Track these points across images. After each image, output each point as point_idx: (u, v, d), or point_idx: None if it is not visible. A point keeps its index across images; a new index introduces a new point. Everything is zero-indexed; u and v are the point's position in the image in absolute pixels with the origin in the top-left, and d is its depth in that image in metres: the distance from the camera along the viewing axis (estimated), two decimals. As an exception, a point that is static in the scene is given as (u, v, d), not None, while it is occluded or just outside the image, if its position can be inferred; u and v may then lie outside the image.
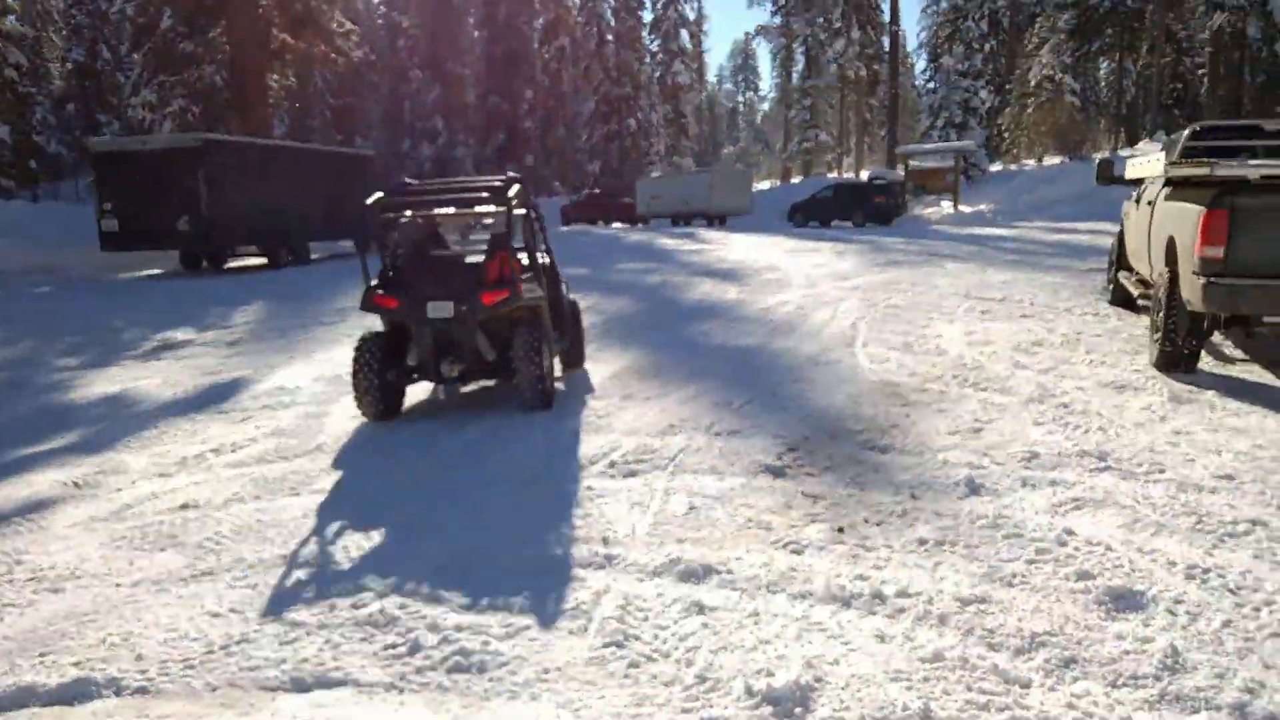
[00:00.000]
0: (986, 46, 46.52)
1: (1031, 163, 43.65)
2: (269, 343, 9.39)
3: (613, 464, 4.70)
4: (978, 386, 6.18)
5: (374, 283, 6.08)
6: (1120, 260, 9.50)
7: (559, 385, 6.66)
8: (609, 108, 51.49)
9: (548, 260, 7.21)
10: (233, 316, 11.35)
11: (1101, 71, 54.25)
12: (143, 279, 18.12)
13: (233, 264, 20.45)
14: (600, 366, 7.42)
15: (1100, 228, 22.54)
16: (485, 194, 6.22)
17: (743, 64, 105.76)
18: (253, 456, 5.24)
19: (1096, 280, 11.91)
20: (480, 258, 6.04)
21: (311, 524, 4.11)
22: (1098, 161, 9.44)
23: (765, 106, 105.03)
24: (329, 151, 24.83)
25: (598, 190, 42.85)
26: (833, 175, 51.31)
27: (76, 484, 4.84)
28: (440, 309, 5.70)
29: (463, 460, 5.01)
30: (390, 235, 6.52)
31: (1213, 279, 5.63)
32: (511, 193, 6.04)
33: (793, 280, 12.92)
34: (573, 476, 4.58)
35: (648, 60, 53.99)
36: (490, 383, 6.60)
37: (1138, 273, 8.56)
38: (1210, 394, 5.74)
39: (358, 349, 5.83)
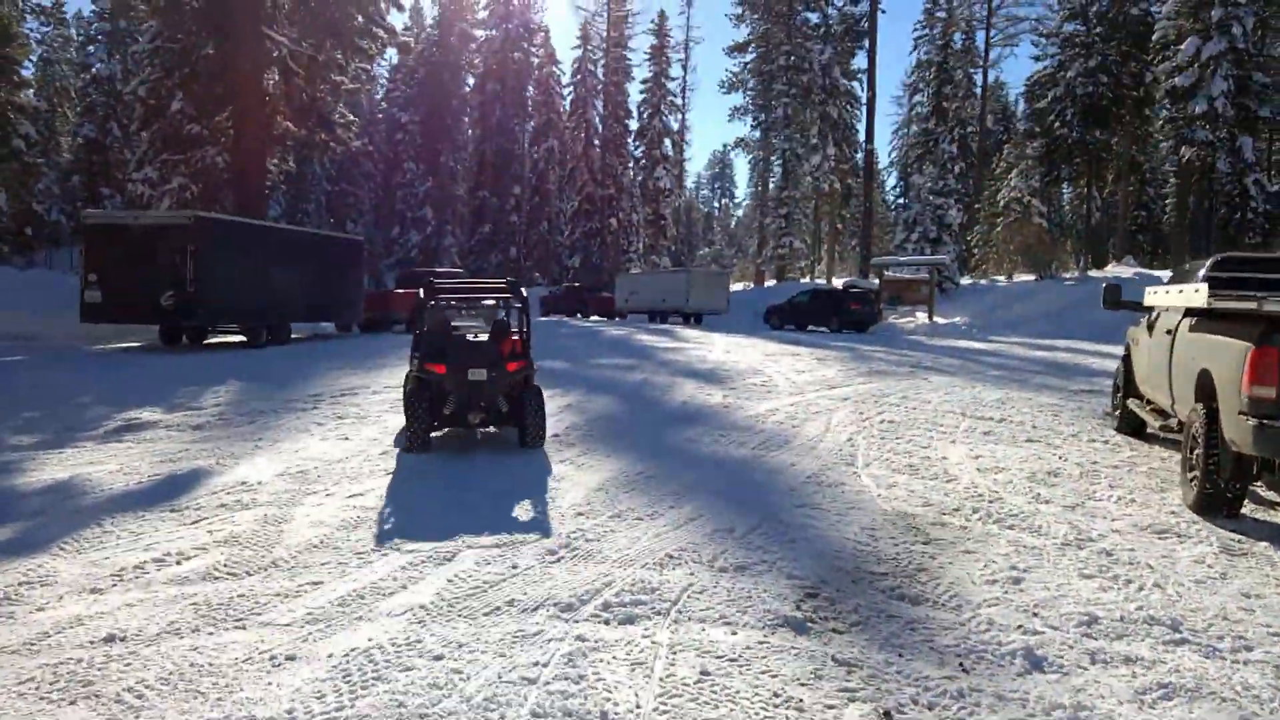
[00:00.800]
0: (956, 168, 47.72)
1: (1001, 279, 44.31)
2: (236, 429, 8.65)
3: (607, 605, 4.02)
4: (1002, 523, 5.60)
5: (418, 353, 8.10)
6: (1129, 387, 9.12)
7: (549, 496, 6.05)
8: (592, 206, 52.17)
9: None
10: (203, 397, 10.58)
11: (1065, 196, 55.91)
12: (119, 351, 17.41)
13: (212, 340, 19.77)
14: (586, 475, 6.79)
15: (1078, 346, 22.50)
16: (503, 291, 9.04)
17: (719, 173, 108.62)
18: (198, 571, 4.51)
19: (1092, 403, 11.57)
20: (484, 336, 8.47)
21: (253, 673, 3.38)
22: (1105, 286, 9.14)
23: (739, 213, 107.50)
24: (319, 235, 24.66)
25: (577, 283, 42.91)
26: (805, 280, 51.80)
27: (-24, 599, 4.08)
28: (478, 374, 7.66)
29: (440, 612, 4.31)
30: (425, 316, 8.56)
31: (1265, 421, 5.15)
32: (522, 292, 8.84)
33: (779, 386, 12.42)
34: (562, 618, 3.89)
35: (631, 164, 54.97)
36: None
37: (1152, 401, 8.14)
38: (1264, 545, 5.21)
39: (409, 401, 7.74)
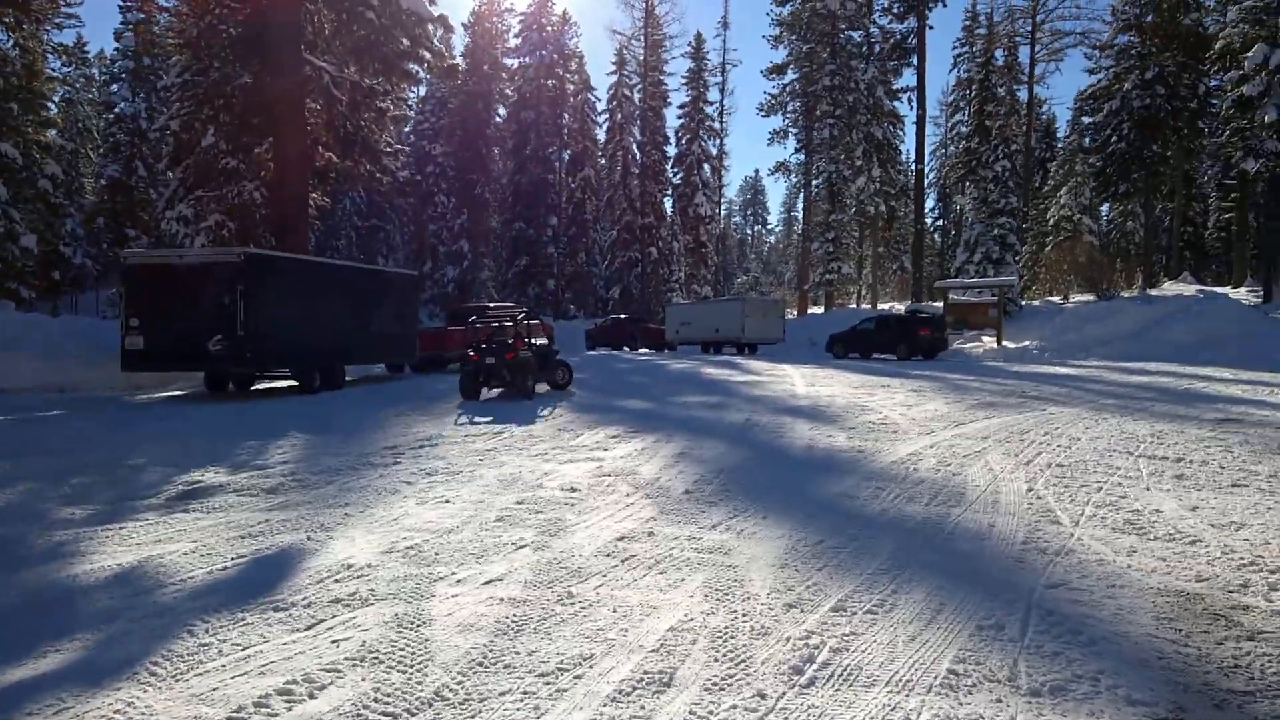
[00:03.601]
0: (1011, 185, 46.55)
1: (1057, 299, 42.94)
2: (316, 492, 7.70)
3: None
4: (1319, 605, 4.51)
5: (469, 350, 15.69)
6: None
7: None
8: (630, 235, 51.41)
9: (546, 341, 17.73)
10: (267, 453, 9.66)
11: (1105, 213, 54.33)
12: (164, 401, 16.36)
13: (260, 385, 18.90)
14: (754, 546, 5.76)
15: (1167, 369, 21.23)
16: (521, 314, 17.37)
17: (751, 198, 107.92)
18: (343, 710, 3.50)
19: (1247, 434, 10.42)
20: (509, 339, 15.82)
21: None
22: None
23: (771, 239, 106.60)
24: (372, 270, 23.40)
25: (623, 315, 42.07)
26: (853, 307, 50.63)
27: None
28: (490, 358, 15.22)
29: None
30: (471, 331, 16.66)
31: None
32: (529, 316, 17.35)
33: (899, 424, 11.33)
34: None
35: (670, 191, 54.25)
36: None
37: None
38: None
39: (461, 374, 15.68)
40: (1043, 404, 13.78)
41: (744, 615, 4.41)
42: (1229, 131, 35.61)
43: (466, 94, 50.76)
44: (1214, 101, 39.12)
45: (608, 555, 5.69)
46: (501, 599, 4.71)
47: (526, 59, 52.47)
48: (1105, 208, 50.48)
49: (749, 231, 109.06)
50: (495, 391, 15.95)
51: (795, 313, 52.44)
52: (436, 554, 5.62)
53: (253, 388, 18.52)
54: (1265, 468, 8.30)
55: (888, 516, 6.63)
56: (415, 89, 58.44)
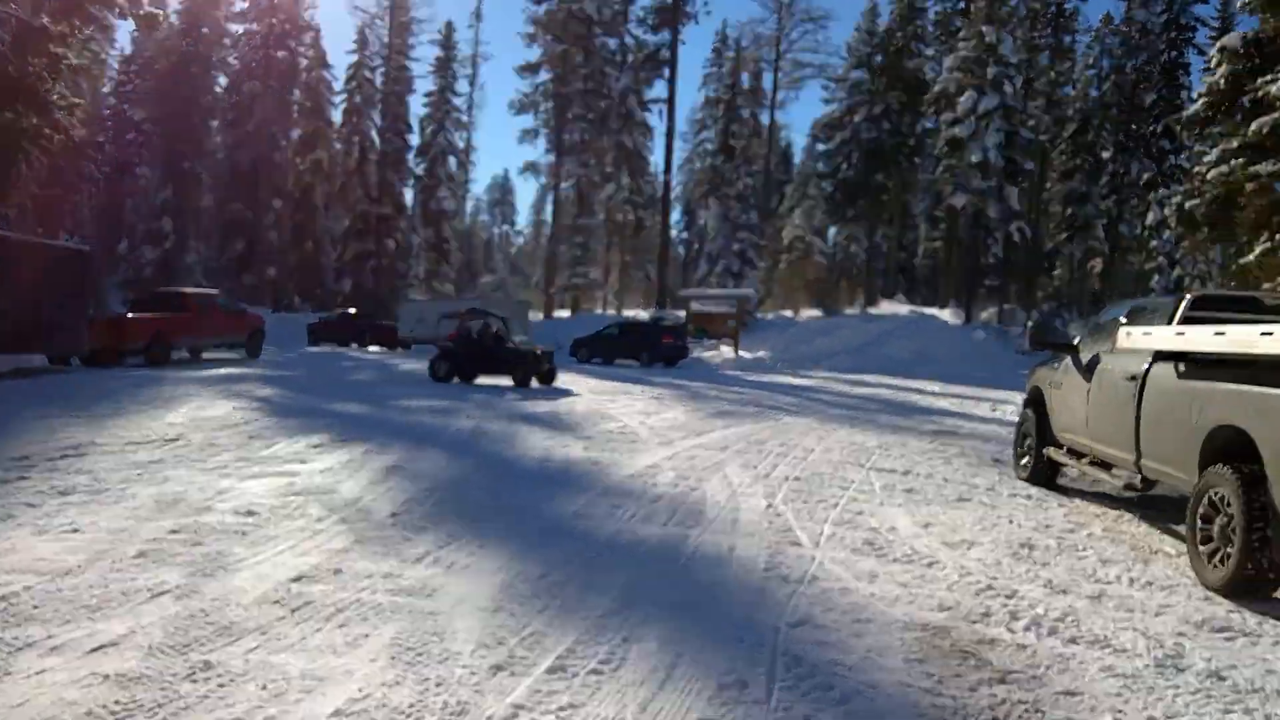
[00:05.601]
0: (752, 203, 48.75)
1: (789, 313, 45.49)
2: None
3: None
4: (1058, 634, 4.27)
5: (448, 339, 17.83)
6: (1044, 435, 8.32)
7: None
8: (366, 226, 48.48)
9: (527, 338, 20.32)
10: None
11: (832, 236, 58.45)
12: None
13: None
14: (464, 583, 4.83)
15: (887, 381, 22.70)
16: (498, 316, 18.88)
17: (500, 198, 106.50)
18: None
19: (963, 445, 10.94)
20: None
21: None
22: (1032, 325, 8.55)
23: (520, 239, 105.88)
24: (23, 242, 19.28)
25: (352, 310, 39.31)
26: (599, 312, 50.92)
27: None
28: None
29: None
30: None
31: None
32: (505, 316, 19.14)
33: (639, 434, 10.85)
34: None
35: (412, 182, 51.89)
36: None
37: (1092, 452, 7.30)
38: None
39: (434, 359, 17.75)
40: (778, 413, 13.93)
41: (437, 685, 3.47)
42: (941, 168, 39.23)
43: (180, 56, 45.45)
44: (929, 141, 43.01)
45: (275, 603, 4.47)
46: (107, 676, 3.44)
47: (254, 25, 47.98)
48: (833, 230, 54.17)
49: (497, 231, 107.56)
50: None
51: (541, 315, 51.99)
52: (36, 607, 4.19)
53: None
54: (982, 480, 8.52)
55: (622, 540, 5.95)
56: (115, 44, 52.00)
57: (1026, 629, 4.32)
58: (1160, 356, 6.15)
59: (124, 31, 50.08)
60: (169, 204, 45.12)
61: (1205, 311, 6.12)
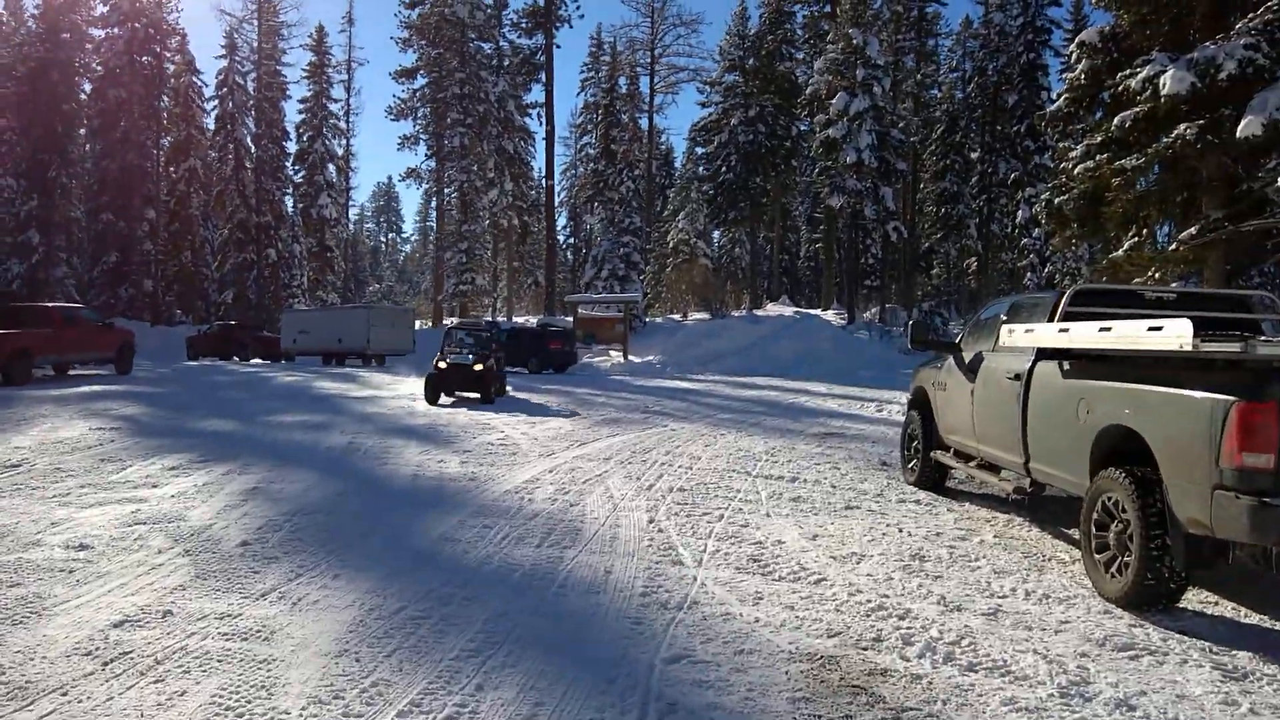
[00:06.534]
0: (635, 206, 48.63)
1: (677, 316, 45.52)
2: None
3: None
4: (953, 660, 4.00)
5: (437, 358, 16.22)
6: (930, 437, 8.17)
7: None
8: (246, 235, 46.31)
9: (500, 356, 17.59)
10: None
11: (718, 239, 58.95)
12: None
13: None
14: (312, 623, 4.28)
15: (773, 383, 22.72)
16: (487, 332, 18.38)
17: (386, 205, 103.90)
18: None
19: (851, 449, 10.82)
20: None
21: None
22: (911, 324, 8.27)
23: (408, 248, 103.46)
24: None
25: (232, 321, 37.43)
26: (488, 319, 49.93)
27: None
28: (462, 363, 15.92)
29: None
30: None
31: (1265, 500, 3.99)
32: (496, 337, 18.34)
33: (520, 445, 10.34)
34: None
35: (291, 190, 49.82)
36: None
37: (980, 455, 7.14)
38: (1255, 660, 4.06)
39: (426, 380, 15.77)
40: (665, 419, 13.61)
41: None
42: (818, 170, 39.83)
43: (39, 61, 42.69)
44: (805, 143, 43.68)
45: (88, 654, 3.91)
46: None
47: (115, 29, 45.32)
48: (717, 234, 54.57)
49: (383, 239, 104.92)
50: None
51: (430, 323, 50.63)
52: None
53: None
54: (871, 485, 8.35)
55: (492, 565, 5.46)
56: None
57: (920, 655, 4.04)
58: (1044, 354, 6.02)
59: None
60: (35, 215, 42.05)
61: (1086, 306, 6.00)
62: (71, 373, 20.54)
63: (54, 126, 43.11)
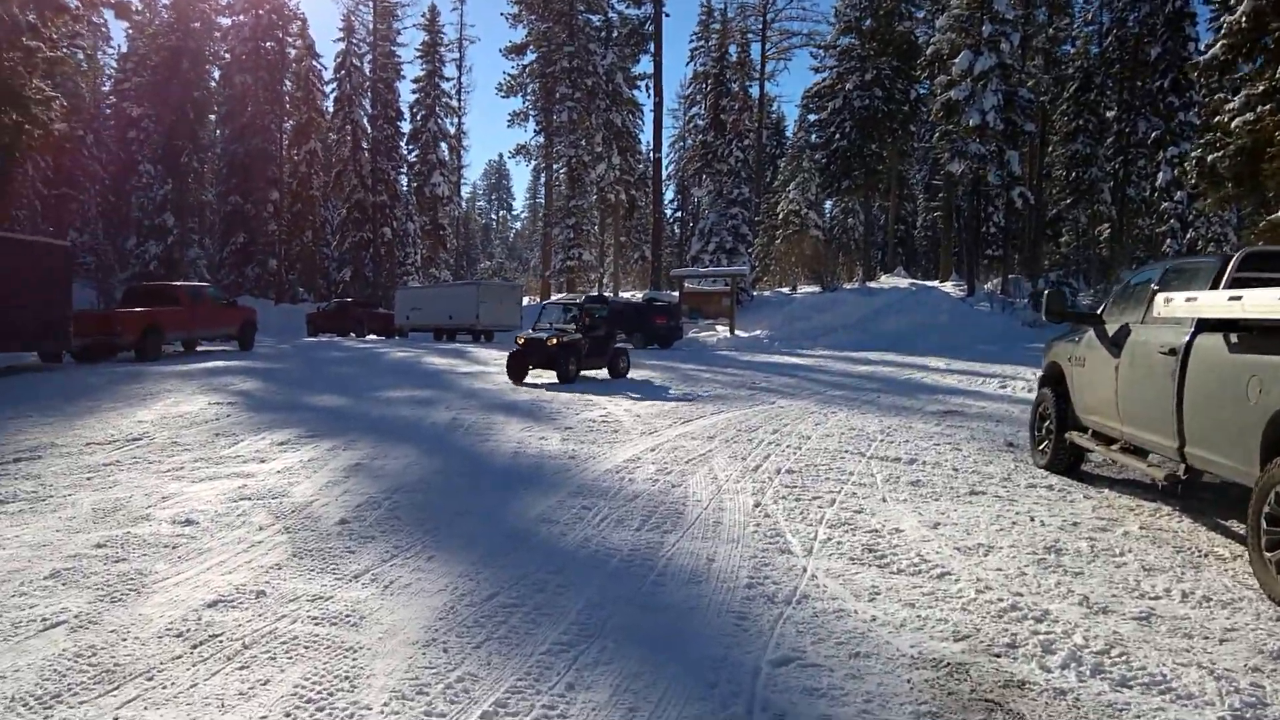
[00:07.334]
0: (744, 177, 47.72)
1: (786, 289, 44.57)
2: None
3: None
4: (1102, 673, 3.50)
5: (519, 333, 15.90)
6: (1064, 417, 7.50)
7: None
8: (362, 214, 47.69)
9: (603, 332, 16.00)
10: None
11: (829, 210, 57.34)
12: None
13: None
14: (402, 608, 4.10)
15: (887, 358, 21.85)
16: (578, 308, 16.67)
17: (496, 183, 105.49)
18: None
19: (973, 428, 10.15)
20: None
21: None
22: (1047, 294, 7.49)
23: (518, 225, 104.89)
24: (3, 240, 18.59)
25: (350, 299, 38.65)
26: (594, 294, 50.04)
27: None
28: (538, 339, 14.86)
29: None
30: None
31: None
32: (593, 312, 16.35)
33: (623, 422, 10.08)
34: None
35: (405, 169, 50.97)
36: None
37: (1123, 437, 6.47)
38: None
39: (509, 357, 14.85)
40: (772, 396, 13.15)
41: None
42: (937, 134, 38.10)
43: (170, 50, 44.77)
44: (924, 107, 41.85)
45: (179, 635, 3.84)
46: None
47: (241, 17, 47.12)
48: (829, 204, 53.19)
49: (494, 216, 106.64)
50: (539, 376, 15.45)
51: (538, 299, 51.15)
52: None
53: None
54: (996, 468, 7.75)
55: (589, 550, 5.20)
56: (111, 42, 51.42)
57: (1064, 666, 3.56)
58: (1205, 326, 5.32)
59: (119, 29, 49.49)
60: (170, 199, 44.39)
61: (1258, 271, 5.29)
62: (198, 349, 21.62)
63: (186, 113, 45.23)
